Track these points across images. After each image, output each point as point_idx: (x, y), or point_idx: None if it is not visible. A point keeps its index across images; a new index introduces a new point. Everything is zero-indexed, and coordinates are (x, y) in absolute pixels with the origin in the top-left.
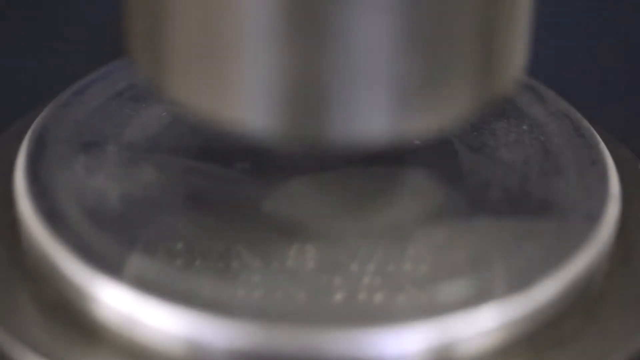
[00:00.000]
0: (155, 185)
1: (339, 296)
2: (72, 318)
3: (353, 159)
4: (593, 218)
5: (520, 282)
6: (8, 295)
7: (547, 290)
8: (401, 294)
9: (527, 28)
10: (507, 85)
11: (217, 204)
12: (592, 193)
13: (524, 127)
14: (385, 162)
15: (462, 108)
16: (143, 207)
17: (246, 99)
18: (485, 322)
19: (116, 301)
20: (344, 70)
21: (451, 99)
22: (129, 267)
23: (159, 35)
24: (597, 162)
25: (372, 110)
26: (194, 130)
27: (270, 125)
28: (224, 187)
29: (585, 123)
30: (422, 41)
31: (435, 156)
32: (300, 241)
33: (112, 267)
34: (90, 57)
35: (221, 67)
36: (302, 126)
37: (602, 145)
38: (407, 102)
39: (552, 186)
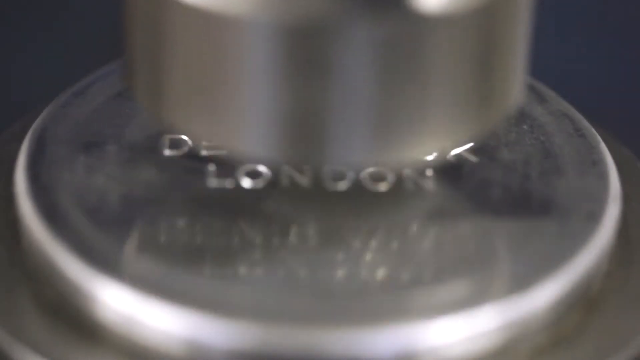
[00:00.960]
0: (155, 185)
1: (338, 296)
2: (72, 318)
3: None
4: (593, 218)
5: (520, 282)
6: (8, 295)
7: (547, 290)
8: (400, 294)
9: (524, 57)
10: (499, 116)
11: (217, 204)
12: (593, 193)
13: (524, 127)
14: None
15: (452, 140)
16: (143, 207)
17: (246, 130)
18: (485, 322)
19: (116, 301)
20: (337, 104)
21: (440, 132)
22: (129, 267)
23: (160, 72)
24: (598, 162)
25: (363, 140)
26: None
27: (270, 153)
28: (225, 187)
29: (585, 123)
30: (410, 77)
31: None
32: (300, 241)
33: (112, 267)
34: (90, 57)
35: (221, 102)
36: (300, 154)
37: (602, 145)
38: (396, 133)
39: (553, 186)
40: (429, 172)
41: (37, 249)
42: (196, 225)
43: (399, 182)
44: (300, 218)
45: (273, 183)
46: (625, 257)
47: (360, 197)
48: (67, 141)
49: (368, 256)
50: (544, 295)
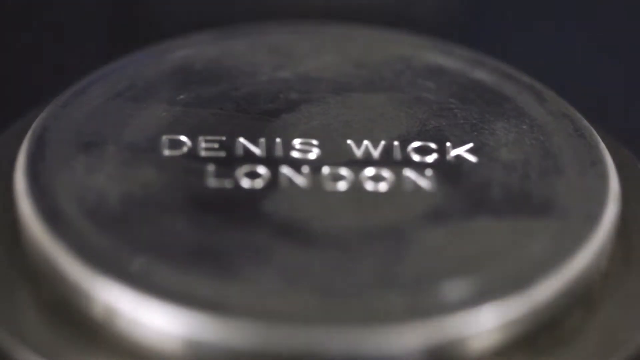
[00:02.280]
0: (155, 185)
1: (338, 296)
2: (72, 318)
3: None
4: (593, 218)
5: (520, 282)
6: (8, 295)
7: (547, 290)
8: (401, 294)
9: None
10: None
11: (217, 204)
12: (592, 193)
13: (524, 127)
14: (385, 163)
15: None
16: (143, 207)
17: None
18: (485, 322)
19: (116, 301)
20: None
21: None
22: (129, 267)
23: None
24: (597, 162)
25: None
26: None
27: None
28: (224, 187)
29: (585, 123)
30: None
31: (436, 156)
32: (299, 241)
33: (112, 267)
34: (90, 57)
35: None
36: None
37: (602, 146)
38: None
39: (552, 186)
40: (429, 172)
41: (37, 250)
42: (195, 225)
43: (399, 182)
44: (300, 218)
45: (272, 183)
46: (625, 257)
47: (360, 197)
48: (67, 141)
49: (368, 256)
50: (544, 295)
